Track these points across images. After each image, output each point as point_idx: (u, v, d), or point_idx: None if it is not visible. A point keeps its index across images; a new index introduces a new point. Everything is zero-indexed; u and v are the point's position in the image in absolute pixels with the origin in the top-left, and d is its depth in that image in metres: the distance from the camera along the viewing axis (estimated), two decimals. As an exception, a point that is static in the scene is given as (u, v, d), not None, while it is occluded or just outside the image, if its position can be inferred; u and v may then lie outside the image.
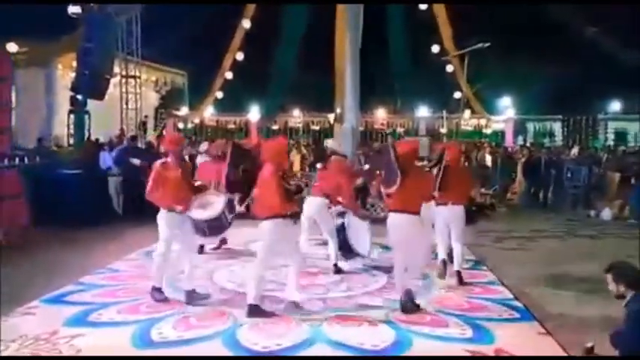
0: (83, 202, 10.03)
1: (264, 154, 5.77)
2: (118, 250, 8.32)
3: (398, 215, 5.81)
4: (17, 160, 10.47)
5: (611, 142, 21.85)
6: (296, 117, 24.85)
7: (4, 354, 4.61)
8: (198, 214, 6.07)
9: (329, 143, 8.97)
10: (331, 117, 23.40)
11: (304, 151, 16.85)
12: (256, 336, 5.05)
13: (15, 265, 7.43)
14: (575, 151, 14.79)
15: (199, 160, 11.25)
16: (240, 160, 6.38)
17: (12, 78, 9.79)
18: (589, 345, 4.31)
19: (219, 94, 24.09)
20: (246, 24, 23.00)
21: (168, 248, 6.03)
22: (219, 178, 6.83)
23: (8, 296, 5.93)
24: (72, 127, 14.06)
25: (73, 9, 13.14)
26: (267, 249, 5.66)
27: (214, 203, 6.18)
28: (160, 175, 5.98)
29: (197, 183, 6.52)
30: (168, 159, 6.16)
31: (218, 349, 4.81)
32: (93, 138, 14.17)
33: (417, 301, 5.85)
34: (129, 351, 4.74)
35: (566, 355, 4.74)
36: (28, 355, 4.60)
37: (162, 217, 5.99)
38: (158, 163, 6.12)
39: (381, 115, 24.22)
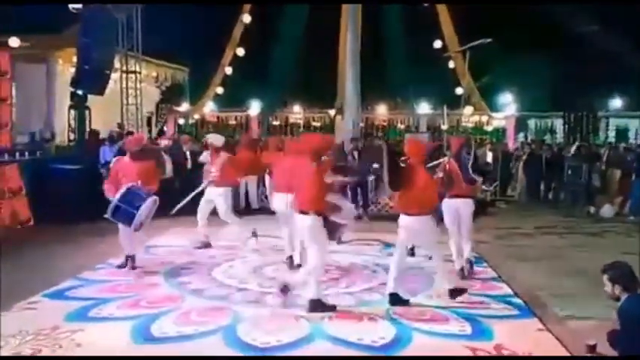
0: (83, 197, 10.01)
1: (307, 149, 5.87)
2: (118, 245, 8.30)
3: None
4: (17, 155, 10.49)
5: (612, 139, 21.82)
6: (297, 113, 24.82)
7: (5, 349, 4.62)
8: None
9: (210, 138, 8.86)
10: (332, 113, 23.38)
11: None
12: (256, 332, 5.05)
13: (16, 260, 7.44)
14: (574, 148, 14.76)
15: (203, 157, 11.28)
16: None
17: (12, 73, 9.78)
18: (591, 343, 4.30)
19: (220, 90, 24.05)
20: (246, 19, 22.94)
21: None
22: (144, 179, 6.91)
23: (9, 291, 5.94)
24: (72, 122, 14.05)
25: (74, 4, 13.11)
26: (325, 242, 5.75)
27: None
28: (117, 172, 6.90)
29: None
30: (125, 157, 6.89)
31: (218, 344, 4.82)
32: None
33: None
34: (129, 346, 4.75)
35: (566, 351, 4.74)
36: (29, 349, 4.61)
37: None
38: (114, 160, 7.06)
39: (381, 111, 24.19)
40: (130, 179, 6.80)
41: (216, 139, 8.75)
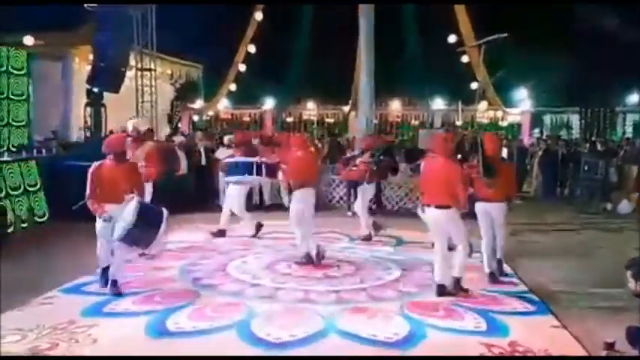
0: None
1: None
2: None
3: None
4: (35, 152, 10.60)
5: (629, 135, 21.54)
6: (310, 109, 24.82)
7: (23, 343, 4.68)
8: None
9: (133, 122, 8.37)
10: (346, 109, 23.34)
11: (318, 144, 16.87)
12: (270, 327, 5.07)
13: (33, 255, 7.54)
14: (590, 144, 14.61)
15: (219, 152, 11.36)
16: None
17: (28, 71, 9.88)
18: (610, 341, 4.25)
19: (233, 87, 24.13)
20: (259, 16, 22.93)
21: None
22: (132, 186, 6.06)
23: (27, 286, 6.02)
24: (89, 120, 14.16)
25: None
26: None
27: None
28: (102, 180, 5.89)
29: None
30: (107, 161, 6.00)
31: (232, 339, 4.84)
32: (108, 131, 14.26)
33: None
34: (144, 341, 4.79)
35: (582, 349, 4.69)
36: (47, 343, 4.66)
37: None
38: (94, 166, 5.93)
39: (395, 107, 24.09)
40: (117, 187, 5.93)
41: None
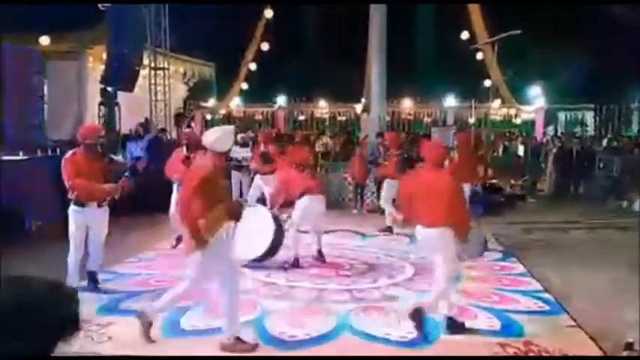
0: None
1: None
2: (150, 239, 8.44)
3: None
4: (50, 151, 10.69)
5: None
6: (322, 107, 24.81)
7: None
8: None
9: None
10: (358, 107, 23.29)
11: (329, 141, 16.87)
12: (284, 325, 5.09)
13: (47, 254, 7.60)
14: (605, 141, 14.48)
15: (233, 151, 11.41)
16: None
17: (43, 70, 9.97)
18: (630, 340, 4.21)
19: (244, 85, 24.18)
20: (269, 13, 22.92)
21: (78, 249, 5.81)
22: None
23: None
24: (102, 119, 14.26)
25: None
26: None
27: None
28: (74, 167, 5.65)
29: None
30: (80, 148, 5.75)
31: (247, 338, 4.86)
32: (122, 131, 14.35)
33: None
34: (159, 339, 4.81)
35: (597, 349, 4.66)
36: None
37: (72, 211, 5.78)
38: (68, 154, 5.76)
39: (407, 104, 24.00)
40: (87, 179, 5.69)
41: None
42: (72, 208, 5.78)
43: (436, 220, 4.81)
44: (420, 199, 4.96)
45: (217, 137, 4.50)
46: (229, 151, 4.73)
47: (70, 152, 5.81)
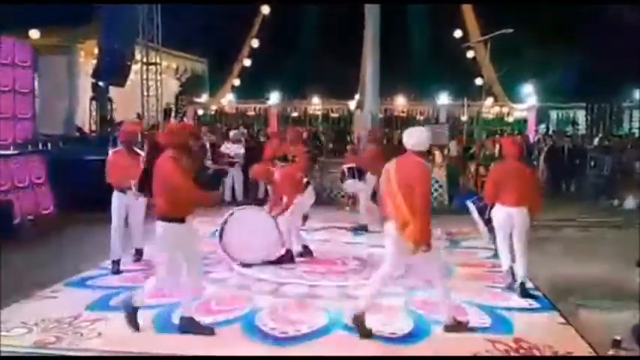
0: (103, 187, 10.08)
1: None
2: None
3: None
4: (41, 146, 10.63)
5: (636, 131, 21.42)
6: (315, 104, 24.77)
7: (28, 336, 4.70)
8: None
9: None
10: (351, 104, 23.26)
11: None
12: (275, 321, 5.08)
13: (38, 249, 7.56)
14: (596, 140, 14.53)
15: (225, 147, 11.39)
16: None
17: (34, 65, 9.89)
18: (618, 337, 4.22)
19: (237, 81, 24.10)
20: (265, 9, 22.86)
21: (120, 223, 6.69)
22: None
23: (32, 280, 6.05)
24: (94, 113, 14.19)
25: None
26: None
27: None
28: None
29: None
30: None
31: (237, 333, 4.85)
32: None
33: None
34: (150, 335, 4.79)
35: (587, 346, 4.67)
36: (52, 337, 4.68)
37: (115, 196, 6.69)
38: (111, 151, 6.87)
39: (400, 102, 24.00)
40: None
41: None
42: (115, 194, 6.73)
43: (519, 200, 5.81)
44: (504, 184, 5.95)
45: None
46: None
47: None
